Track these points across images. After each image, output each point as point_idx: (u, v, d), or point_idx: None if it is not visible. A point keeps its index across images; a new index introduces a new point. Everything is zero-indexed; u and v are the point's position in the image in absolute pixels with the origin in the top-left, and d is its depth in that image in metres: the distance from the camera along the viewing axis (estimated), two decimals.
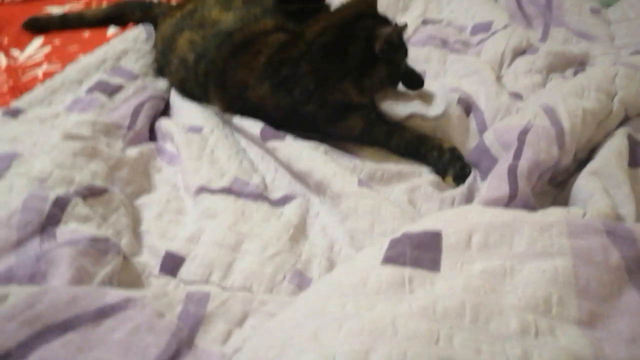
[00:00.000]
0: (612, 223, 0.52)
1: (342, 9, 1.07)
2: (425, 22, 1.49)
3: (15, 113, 1.04)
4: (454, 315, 0.45)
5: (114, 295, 0.51)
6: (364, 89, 1.02)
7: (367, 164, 0.96)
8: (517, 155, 0.84)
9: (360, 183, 0.88)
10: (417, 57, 1.28)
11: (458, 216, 0.56)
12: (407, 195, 0.89)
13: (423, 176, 0.94)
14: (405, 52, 1.08)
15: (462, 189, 0.88)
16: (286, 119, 1.03)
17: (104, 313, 0.49)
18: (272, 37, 1.07)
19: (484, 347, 0.43)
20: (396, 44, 1.03)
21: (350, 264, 0.55)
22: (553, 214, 0.55)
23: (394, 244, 0.54)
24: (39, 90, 1.12)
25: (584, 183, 0.84)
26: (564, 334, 0.45)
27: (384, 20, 1.07)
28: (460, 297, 0.46)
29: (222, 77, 1.08)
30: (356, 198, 0.85)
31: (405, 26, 1.03)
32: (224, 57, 1.07)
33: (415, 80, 1.10)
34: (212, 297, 0.54)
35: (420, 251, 0.52)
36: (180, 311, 0.51)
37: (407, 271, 0.50)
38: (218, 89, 1.09)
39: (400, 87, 1.11)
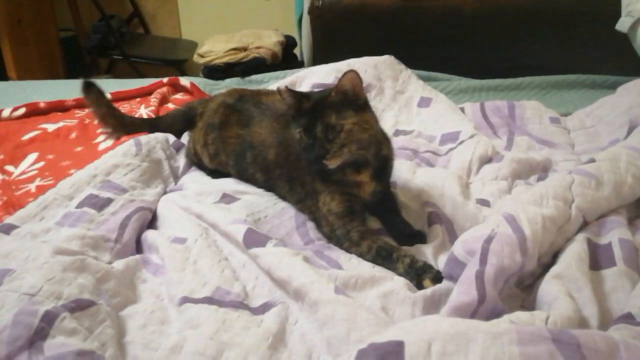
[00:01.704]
0: (557, 330, 0.57)
1: None
2: (397, 133, 1.59)
3: (8, 229, 1.09)
4: None
5: None
6: None
7: (342, 272, 1.00)
8: (483, 262, 0.89)
9: (337, 290, 0.92)
10: None
11: (418, 326, 0.61)
12: (380, 301, 0.93)
13: (395, 280, 0.98)
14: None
15: (432, 291, 0.92)
16: None
17: None
18: None
19: None
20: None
21: None
22: (504, 322, 0.59)
23: (360, 354, 0.58)
24: (31, 206, 1.17)
25: (548, 287, 0.89)
26: None
27: None
28: None
29: None
30: (333, 306, 0.89)
31: None
32: None
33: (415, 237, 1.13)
34: None
35: None
36: None
37: None
38: None
39: None
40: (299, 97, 1.08)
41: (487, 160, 1.39)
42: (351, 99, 1.05)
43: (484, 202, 1.20)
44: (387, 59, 1.83)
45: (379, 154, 1.14)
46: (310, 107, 1.06)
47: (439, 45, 2.05)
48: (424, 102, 1.70)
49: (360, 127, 1.05)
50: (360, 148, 1.07)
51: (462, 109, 1.67)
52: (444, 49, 2.06)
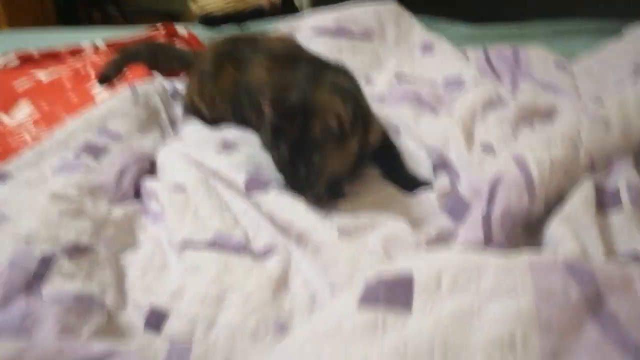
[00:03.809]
0: (572, 260, 0.55)
1: None
2: (398, 77, 1.55)
3: (3, 178, 1.06)
4: (424, 352, 0.47)
5: (99, 347, 0.52)
6: None
7: (342, 215, 0.99)
8: (490, 203, 0.88)
9: (340, 234, 0.91)
10: (393, 115, 1.34)
11: (429, 260, 0.59)
12: (382, 244, 0.91)
13: (396, 223, 0.96)
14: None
15: (436, 233, 0.91)
16: None
17: None
18: None
19: None
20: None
21: (326, 310, 0.58)
22: (517, 256, 0.58)
23: (368, 287, 0.56)
24: (27, 155, 1.15)
25: (555, 229, 0.88)
26: None
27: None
28: (429, 336, 0.49)
29: None
30: (336, 249, 0.88)
31: None
32: None
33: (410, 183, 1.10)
34: (194, 349, 0.56)
35: (393, 293, 0.54)
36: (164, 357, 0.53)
37: (380, 313, 0.53)
38: None
39: None
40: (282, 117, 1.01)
41: (491, 105, 1.35)
42: (335, 133, 1.00)
43: (488, 147, 1.18)
44: (390, 6, 1.78)
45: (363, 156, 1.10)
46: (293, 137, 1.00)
47: None
48: (427, 48, 1.65)
49: (341, 159, 1.03)
50: (340, 173, 1.06)
51: (465, 55, 1.63)
52: None
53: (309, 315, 0.78)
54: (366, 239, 0.93)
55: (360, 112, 1.07)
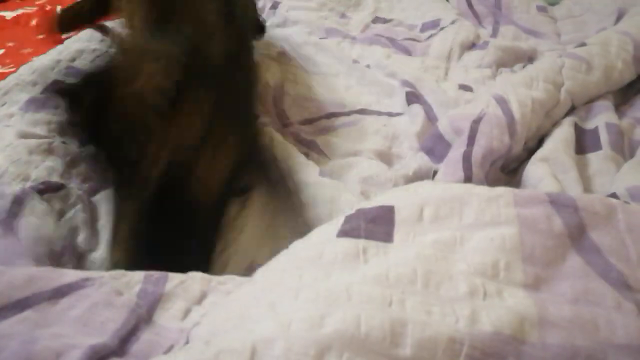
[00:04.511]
0: (555, 193, 0.55)
1: None
2: (375, 21, 1.52)
3: None
4: (406, 281, 0.46)
5: (72, 275, 0.51)
6: None
7: (321, 157, 0.98)
8: (471, 142, 0.87)
9: (321, 173, 0.90)
10: (362, 55, 1.31)
11: (410, 191, 0.58)
12: (359, 185, 0.90)
13: (372, 163, 0.95)
14: None
15: (413, 171, 0.90)
16: None
17: (61, 292, 0.49)
18: None
19: (434, 309, 0.44)
20: None
21: (305, 240, 0.57)
22: (500, 188, 0.57)
23: (348, 219, 0.55)
24: None
25: (534, 169, 0.88)
26: (511, 296, 0.47)
27: None
28: (412, 265, 0.48)
29: None
30: (316, 188, 0.87)
31: None
32: None
33: None
34: (170, 278, 0.55)
35: (374, 225, 0.53)
36: (138, 290, 0.52)
37: (361, 243, 0.52)
38: None
39: None
40: None
41: (469, 46, 1.34)
42: None
43: (466, 88, 1.16)
44: None
45: None
46: None
47: None
48: None
49: None
50: None
51: None
52: None
53: None
54: (344, 179, 0.92)
55: None
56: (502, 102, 0.94)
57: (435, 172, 0.91)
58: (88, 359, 0.42)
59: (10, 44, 1.44)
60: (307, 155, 0.98)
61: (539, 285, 0.48)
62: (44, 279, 0.49)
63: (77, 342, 0.43)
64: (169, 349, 0.46)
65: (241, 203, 0.88)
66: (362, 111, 1.10)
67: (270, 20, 1.50)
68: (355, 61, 1.28)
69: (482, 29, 1.45)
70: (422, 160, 0.95)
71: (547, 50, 1.35)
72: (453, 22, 1.40)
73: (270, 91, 1.16)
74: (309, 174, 0.89)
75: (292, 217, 0.87)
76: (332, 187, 0.87)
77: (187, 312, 0.51)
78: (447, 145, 0.94)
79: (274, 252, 0.58)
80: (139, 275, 0.53)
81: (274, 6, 1.56)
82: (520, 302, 0.46)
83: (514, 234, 0.51)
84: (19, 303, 0.46)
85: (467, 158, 0.84)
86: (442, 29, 1.39)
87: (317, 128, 1.07)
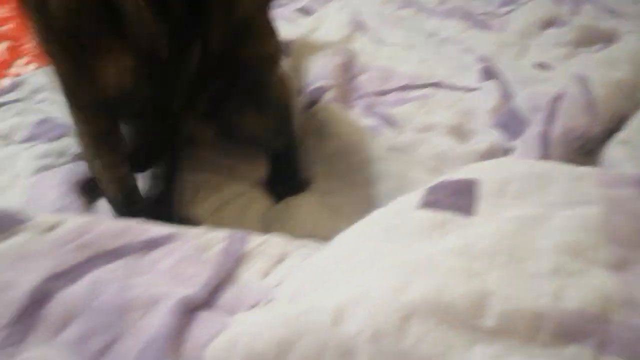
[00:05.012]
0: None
1: None
2: None
3: None
4: (489, 254, 0.46)
5: (159, 230, 0.53)
6: None
7: (390, 132, 0.97)
8: (549, 121, 0.85)
9: (391, 147, 0.90)
10: (438, 28, 1.29)
11: (494, 166, 0.58)
12: (432, 161, 0.89)
13: (445, 139, 0.94)
14: None
15: (486, 148, 0.89)
16: None
17: (150, 245, 0.51)
18: None
19: (518, 283, 0.44)
20: None
21: (385, 209, 0.57)
22: (586, 168, 0.56)
23: (430, 190, 0.55)
24: None
25: (613, 151, 0.85)
26: (595, 276, 0.46)
27: None
28: (494, 239, 0.47)
29: None
30: (386, 162, 0.87)
31: None
32: None
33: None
34: (250, 239, 0.56)
35: (456, 197, 0.53)
36: (221, 248, 0.53)
37: (442, 215, 0.52)
38: None
39: None
40: None
41: (549, 24, 1.30)
42: None
43: (545, 66, 1.13)
44: None
45: None
46: None
47: None
48: None
49: None
50: None
51: None
52: None
53: None
54: (414, 154, 0.92)
55: None
56: (582, 81, 0.91)
57: (508, 150, 0.89)
58: (181, 308, 0.44)
59: None
60: (378, 127, 0.98)
61: (625, 266, 0.47)
62: (135, 231, 0.51)
63: (169, 291, 0.45)
64: (252, 306, 0.48)
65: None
66: (436, 84, 1.09)
67: None
68: (431, 34, 1.26)
69: (562, 7, 1.41)
70: (495, 137, 0.93)
71: (627, 31, 1.29)
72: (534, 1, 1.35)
73: (340, 62, 1.15)
74: (377, 149, 0.89)
75: (353, 193, 0.87)
76: (401, 162, 0.87)
77: (267, 272, 0.53)
78: (523, 123, 0.92)
79: (332, 228, 0.59)
80: (221, 234, 0.55)
81: None
82: (606, 282, 0.45)
83: (600, 214, 0.50)
84: (114, 252, 0.49)
85: (544, 137, 0.82)
86: (521, 4, 1.35)
87: (390, 100, 1.07)
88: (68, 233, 0.48)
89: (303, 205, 0.84)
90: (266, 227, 0.79)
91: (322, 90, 1.02)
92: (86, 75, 0.62)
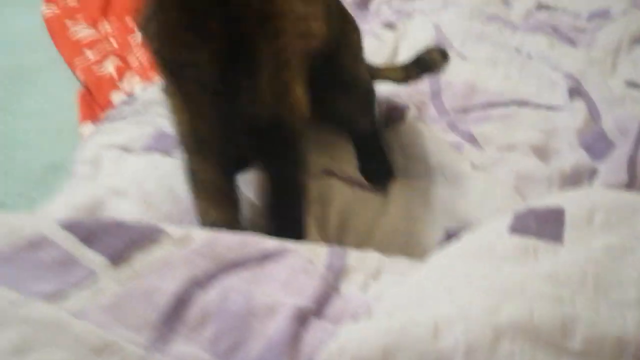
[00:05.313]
0: None
1: None
2: (539, 7, 1.49)
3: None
4: (576, 282, 0.50)
5: (272, 243, 0.60)
6: None
7: (473, 149, 1.00)
8: (637, 143, 0.85)
9: (474, 166, 0.93)
10: (524, 44, 1.30)
11: (580, 196, 0.61)
12: (514, 180, 0.92)
13: (528, 159, 0.97)
14: None
15: (571, 168, 0.91)
16: None
17: (266, 256, 0.58)
18: None
19: (603, 309, 0.48)
20: None
21: (475, 234, 0.62)
22: None
23: (518, 216, 0.59)
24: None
25: None
26: None
27: None
28: (582, 267, 0.51)
29: None
30: (468, 181, 0.91)
31: None
32: None
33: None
34: (349, 253, 0.62)
35: (544, 224, 0.57)
36: (325, 262, 0.60)
37: (531, 241, 0.56)
38: None
39: None
40: None
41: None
42: None
43: (635, 84, 1.12)
44: None
45: None
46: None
47: None
48: None
49: None
50: None
51: None
52: None
53: None
54: (497, 173, 0.94)
55: None
56: None
57: (593, 172, 0.90)
58: (296, 316, 0.50)
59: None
60: (461, 144, 1.01)
61: None
62: (252, 244, 0.58)
63: (285, 301, 0.52)
64: (354, 317, 0.53)
65: (382, 196, 0.93)
66: (521, 102, 1.11)
67: (429, 3, 1.52)
68: (516, 50, 1.27)
69: None
70: (580, 157, 0.94)
71: None
72: (624, 12, 1.33)
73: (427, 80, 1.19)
74: (461, 167, 0.93)
75: (432, 210, 0.90)
76: (484, 180, 0.90)
77: (365, 285, 0.59)
78: (610, 144, 0.93)
79: (408, 245, 0.63)
80: (324, 248, 0.61)
81: None
82: None
83: None
84: (238, 262, 0.56)
85: (632, 159, 0.83)
86: (611, 19, 1.33)
87: (473, 117, 1.09)
88: (201, 245, 0.56)
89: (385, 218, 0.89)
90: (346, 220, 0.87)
91: (404, 107, 1.06)
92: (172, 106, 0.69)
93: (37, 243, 0.52)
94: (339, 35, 0.86)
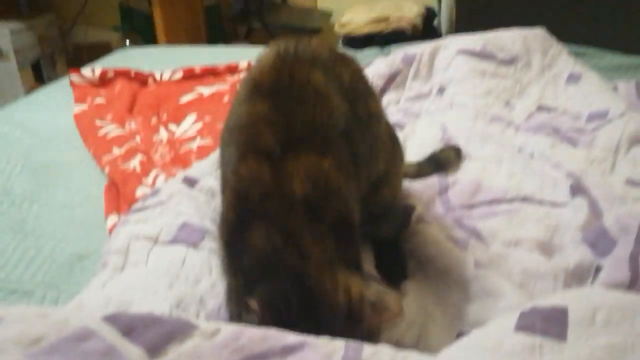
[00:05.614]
0: None
1: None
2: (540, 109, 1.56)
3: (192, 182, 1.20)
4: None
5: (292, 337, 0.63)
6: None
7: (478, 245, 1.03)
8: (639, 242, 0.89)
9: (478, 264, 0.96)
10: (526, 143, 1.36)
11: (581, 295, 0.65)
12: (518, 277, 0.95)
13: (532, 256, 1.00)
14: None
15: (574, 264, 0.94)
16: None
17: (286, 350, 0.61)
18: None
19: None
20: None
21: (483, 330, 0.65)
22: None
23: (524, 315, 0.63)
24: (206, 163, 1.29)
25: None
26: None
27: None
28: None
29: None
30: (473, 282, 0.92)
31: None
32: None
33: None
34: (364, 348, 0.65)
35: (548, 323, 0.61)
36: (341, 355, 0.63)
37: (537, 339, 0.59)
38: None
39: None
40: None
41: (638, 140, 1.33)
42: None
43: (635, 184, 1.17)
44: (538, 32, 1.79)
45: None
46: None
47: (589, 19, 1.97)
48: (573, 79, 1.65)
49: None
50: None
51: (615, 88, 1.61)
52: (596, 23, 1.98)
53: None
54: (502, 269, 0.96)
55: None
56: None
57: (597, 268, 0.93)
58: None
59: (207, 119, 1.67)
60: (466, 241, 1.04)
61: None
62: (273, 338, 0.61)
63: None
64: None
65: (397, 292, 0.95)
66: (524, 199, 1.16)
67: (436, 104, 1.61)
68: (519, 149, 1.34)
69: None
70: (583, 254, 0.97)
71: None
72: (622, 114, 1.40)
73: (435, 177, 1.25)
74: (465, 269, 0.95)
75: (446, 313, 0.92)
76: (489, 280, 0.92)
77: None
78: (612, 242, 0.96)
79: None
80: (341, 343, 0.64)
81: (441, 90, 1.67)
82: None
83: None
84: (260, 355, 0.59)
85: (634, 259, 0.86)
86: (609, 121, 1.40)
87: (478, 213, 1.14)
88: (226, 339, 0.60)
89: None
90: None
91: (410, 209, 1.09)
92: None
93: (83, 335, 0.57)
94: (389, 164, 0.99)
